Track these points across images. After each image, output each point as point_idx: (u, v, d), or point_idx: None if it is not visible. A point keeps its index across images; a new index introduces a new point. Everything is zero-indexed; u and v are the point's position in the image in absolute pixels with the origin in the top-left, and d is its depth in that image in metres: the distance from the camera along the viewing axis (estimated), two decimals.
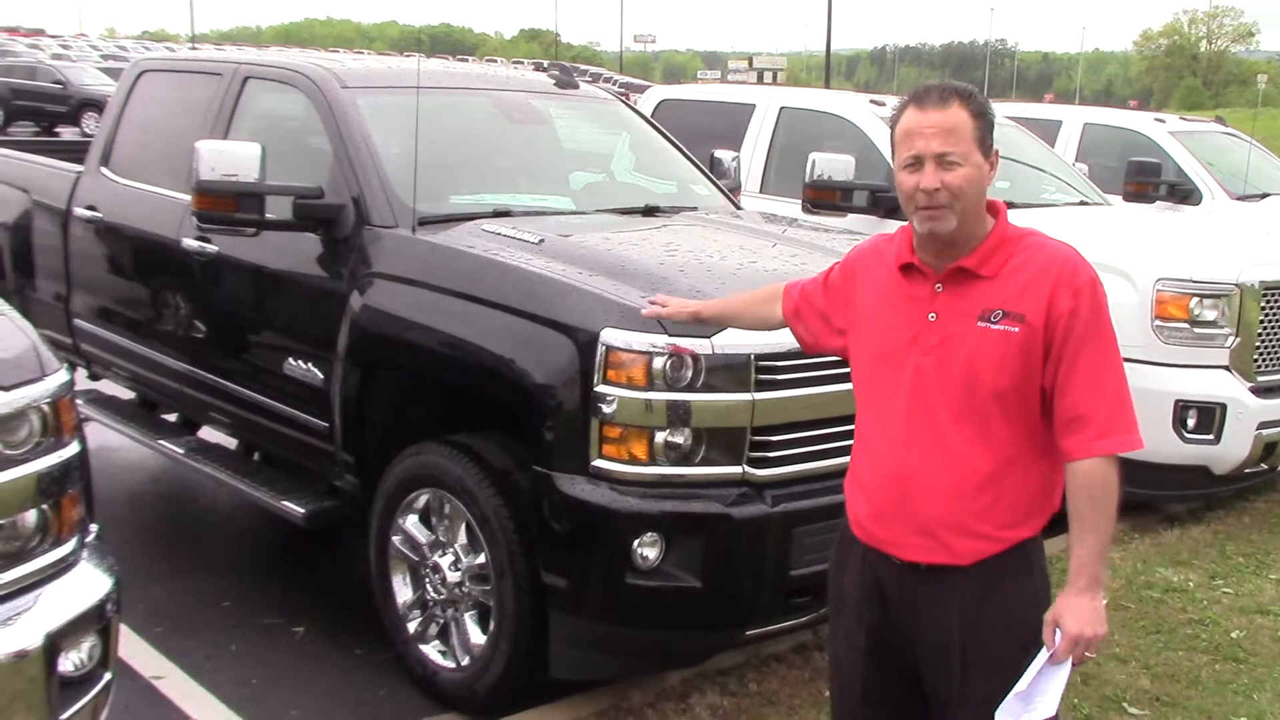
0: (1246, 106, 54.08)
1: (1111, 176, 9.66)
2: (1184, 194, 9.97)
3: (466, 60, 48.12)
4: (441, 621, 4.23)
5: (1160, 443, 5.98)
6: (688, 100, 9.28)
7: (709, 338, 3.67)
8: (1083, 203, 7.96)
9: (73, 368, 6.22)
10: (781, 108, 8.27)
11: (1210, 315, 6.18)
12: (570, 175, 5.60)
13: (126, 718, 3.90)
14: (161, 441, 5.55)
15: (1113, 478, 2.50)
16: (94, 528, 3.08)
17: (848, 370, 3.82)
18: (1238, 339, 6.19)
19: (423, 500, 4.23)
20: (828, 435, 3.93)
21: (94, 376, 6.34)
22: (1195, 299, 6.17)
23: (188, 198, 4.60)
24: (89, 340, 6.02)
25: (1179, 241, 7.04)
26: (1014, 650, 2.55)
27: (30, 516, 2.78)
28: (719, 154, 6.24)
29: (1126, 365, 2.62)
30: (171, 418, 6.06)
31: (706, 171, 5.97)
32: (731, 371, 3.72)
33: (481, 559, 4.00)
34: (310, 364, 4.64)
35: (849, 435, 3.89)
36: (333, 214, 4.58)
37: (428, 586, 4.23)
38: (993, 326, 2.52)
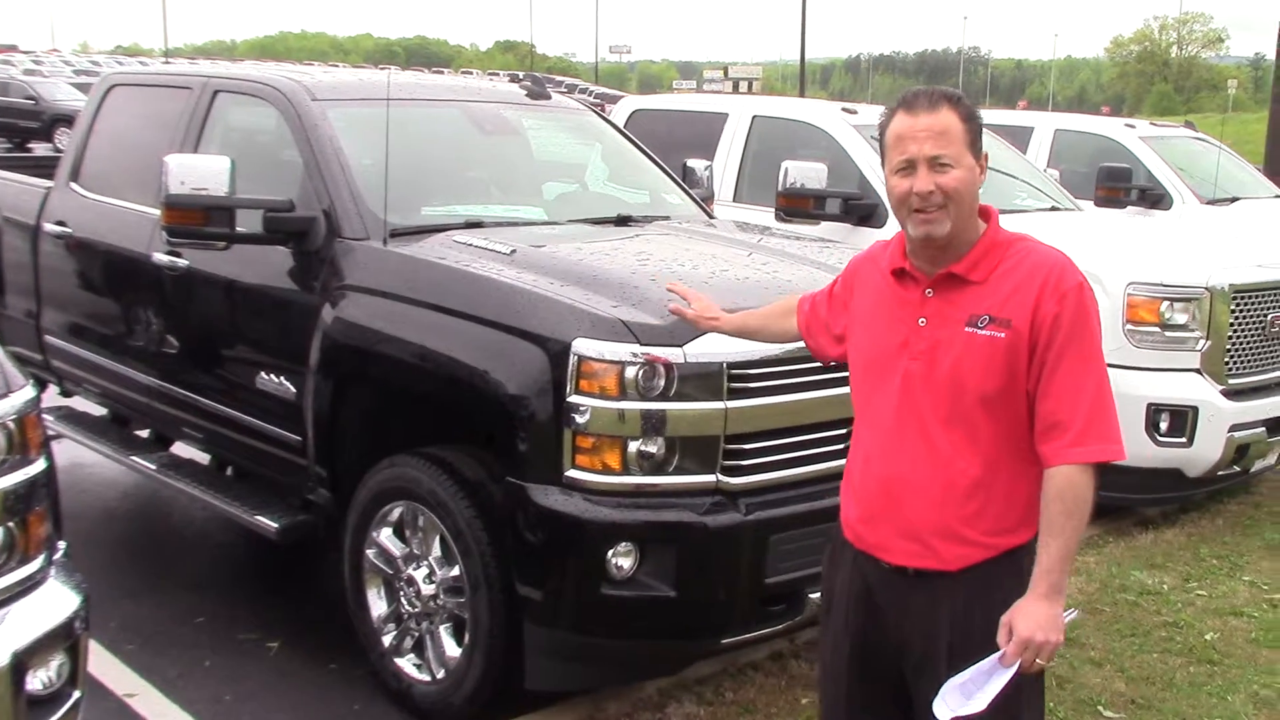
0: (1217, 111, 54.53)
1: (1083, 182, 9.72)
2: (1155, 199, 10.05)
3: (442, 72, 48.14)
4: (416, 635, 4.21)
5: (1133, 446, 5.98)
6: (661, 110, 9.29)
7: (681, 346, 3.68)
8: (1054, 208, 8.01)
9: (42, 384, 6.19)
10: (754, 116, 8.30)
11: (1181, 319, 6.22)
12: (543, 186, 5.60)
13: None
14: (133, 457, 5.51)
15: (1086, 486, 2.49)
16: (62, 545, 3.05)
17: (820, 378, 3.92)
18: (1209, 342, 6.23)
19: (396, 513, 4.21)
20: (802, 443, 3.94)
21: (65, 393, 6.29)
22: (1166, 303, 6.21)
23: (158, 212, 4.58)
24: (60, 356, 5.98)
25: (1149, 246, 7.09)
26: None
27: None
28: (691, 163, 6.25)
29: None
30: (144, 433, 6.01)
31: (679, 181, 5.98)
32: (704, 380, 3.72)
33: (456, 571, 3.99)
34: (283, 377, 4.62)
35: (823, 442, 3.98)
36: (304, 227, 4.56)
37: (402, 600, 4.21)
38: (979, 332, 2.53)
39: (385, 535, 4.24)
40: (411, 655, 4.23)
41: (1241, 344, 6.37)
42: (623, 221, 5.14)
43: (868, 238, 6.95)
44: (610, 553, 3.65)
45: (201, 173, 4.47)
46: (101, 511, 6.27)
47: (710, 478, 3.75)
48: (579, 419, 3.65)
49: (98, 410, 6.25)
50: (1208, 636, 5.01)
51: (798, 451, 3.93)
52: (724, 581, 3.78)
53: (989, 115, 11.29)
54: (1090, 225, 7.88)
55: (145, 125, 5.67)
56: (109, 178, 5.76)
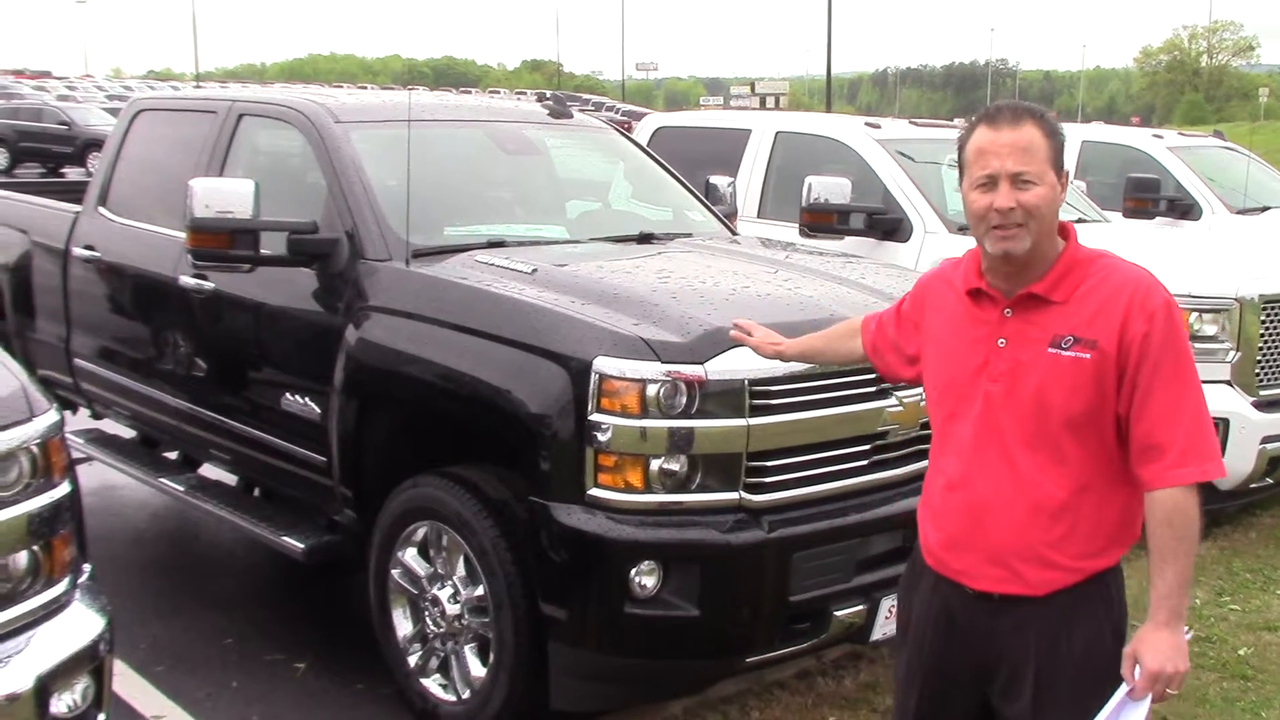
0: (1249, 120, 54.10)
1: (1110, 193, 9.66)
2: (1184, 209, 9.96)
3: (469, 92, 48.38)
4: (442, 655, 4.21)
5: None
6: (684, 127, 9.29)
7: (702, 363, 3.67)
8: (1080, 220, 7.95)
9: (65, 407, 6.25)
10: (777, 132, 8.29)
11: (1210, 330, 6.17)
12: (566, 204, 5.62)
13: None
14: (162, 479, 5.55)
15: (1193, 507, 2.44)
16: (87, 568, 3.07)
17: (843, 394, 3.90)
18: (1239, 353, 6.17)
19: (421, 533, 4.22)
20: (825, 459, 3.92)
21: (96, 416, 6.35)
22: (1195, 314, 6.15)
23: (184, 235, 4.62)
24: (89, 379, 6.03)
25: (1177, 256, 7.03)
26: (1089, 683, 2.51)
27: (21, 558, 2.79)
28: (714, 180, 6.25)
29: None
30: (172, 455, 6.06)
31: (701, 198, 5.98)
32: (726, 397, 3.71)
33: (480, 591, 3.99)
34: (307, 398, 4.64)
35: (846, 459, 3.96)
36: (327, 248, 4.59)
37: (427, 620, 4.21)
38: (1064, 353, 2.47)
39: (410, 555, 4.25)
40: (437, 675, 4.23)
41: (1272, 355, 6.30)
42: (645, 239, 5.14)
43: (892, 252, 6.95)
44: (633, 571, 3.64)
45: (226, 196, 4.51)
46: (132, 533, 6.32)
47: (733, 495, 3.74)
48: (601, 437, 3.65)
49: (128, 433, 6.30)
50: (1241, 651, 4.95)
51: (821, 468, 3.91)
52: (748, 600, 3.76)
53: None
54: (1117, 237, 7.82)
55: (171, 149, 5.73)
56: (136, 202, 5.82)
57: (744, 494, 3.75)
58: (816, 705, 4.37)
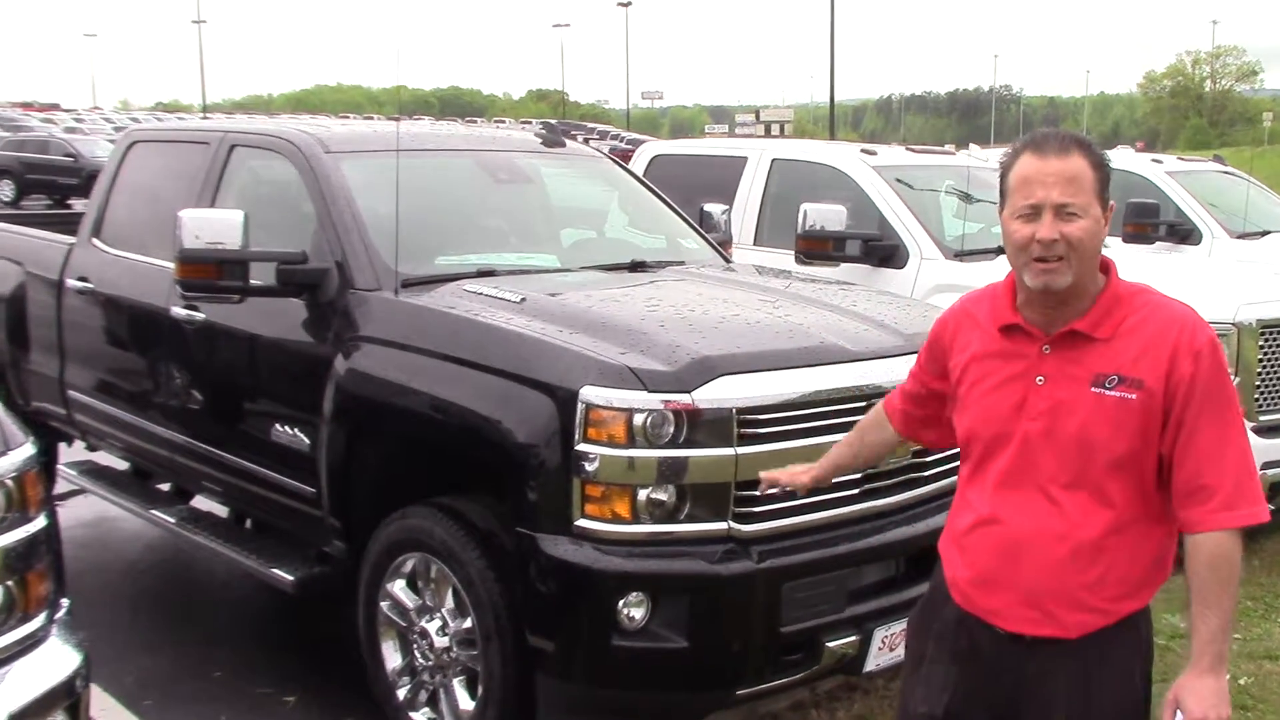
0: (1253, 145, 54.13)
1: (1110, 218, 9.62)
2: (1184, 234, 9.94)
3: (475, 122, 48.58)
4: (431, 688, 4.17)
5: None
6: (680, 155, 9.29)
7: (690, 392, 3.64)
8: None
9: (67, 439, 6.23)
10: (773, 159, 8.28)
11: None
12: (560, 233, 5.61)
13: None
14: (154, 511, 5.52)
15: (1237, 550, 2.40)
16: (65, 602, 3.03)
17: (832, 423, 3.86)
18: (1237, 379, 6.12)
19: (409, 564, 4.18)
20: (815, 489, 3.87)
21: (91, 447, 6.33)
22: None
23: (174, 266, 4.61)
24: (83, 411, 6.01)
25: (1174, 282, 6.97)
26: None
27: None
28: (709, 207, 6.24)
29: None
30: (165, 487, 6.03)
31: (695, 225, 5.96)
32: (714, 426, 3.67)
33: (468, 623, 3.95)
34: (297, 429, 4.61)
35: (836, 488, 3.91)
36: (316, 279, 4.57)
37: (416, 653, 4.17)
38: (1108, 393, 2.41)
39: (399, 587, 4.21)
40: (426, 709, 4.19)
41: (1271, 380, 6.26)
42: (636, 267, 5.12)
43: (888, 279, 6.92)
44: (621, 603, 3.60)
45: (215, 227, 4.49)
46: (125, 566, 6.28)
47: (722, 525, 3.70)
48: (588, 467, 3.62)
49: (121, 464, 6.27)
50: (1242, 681, 4.88)
51: (811, 497, 3.86)
52: (738, 631, 3.72)
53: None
54: (1117, 262, 7.78)
55: (165, 180, 5.72)
56: (129, 233, 5.81)
57: (733, 524, 3.71)
58: None
